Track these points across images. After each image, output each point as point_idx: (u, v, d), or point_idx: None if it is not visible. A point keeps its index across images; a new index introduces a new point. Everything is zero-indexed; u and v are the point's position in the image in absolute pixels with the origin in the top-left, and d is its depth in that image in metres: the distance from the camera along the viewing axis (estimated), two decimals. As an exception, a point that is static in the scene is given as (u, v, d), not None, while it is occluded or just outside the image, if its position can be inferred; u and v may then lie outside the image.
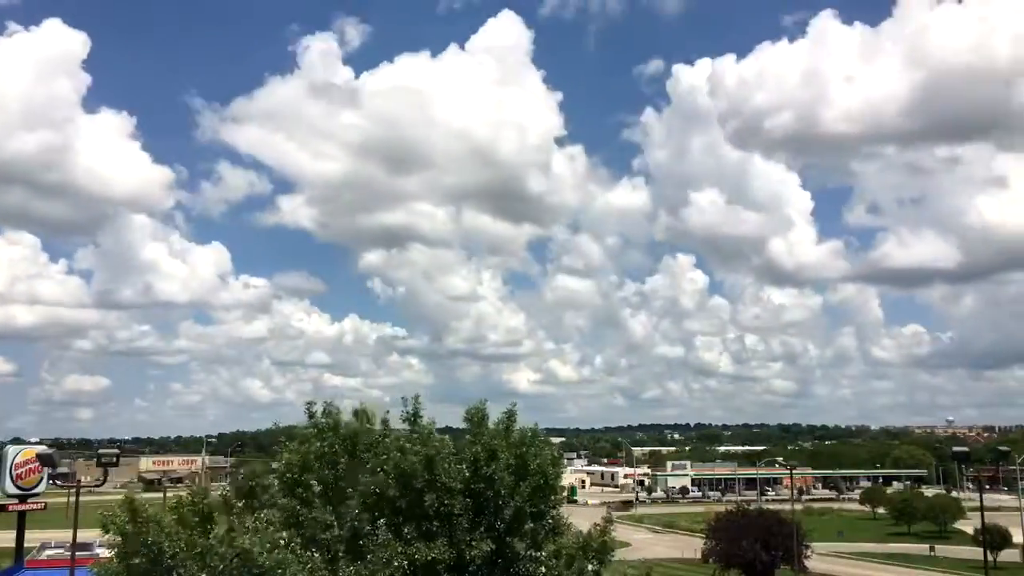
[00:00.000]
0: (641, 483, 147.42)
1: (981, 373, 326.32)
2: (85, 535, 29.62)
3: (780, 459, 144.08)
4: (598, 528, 19.23)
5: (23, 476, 45.36)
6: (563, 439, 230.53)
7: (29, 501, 46.00)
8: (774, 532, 48.82)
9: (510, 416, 19.85)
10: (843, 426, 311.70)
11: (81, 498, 30.06)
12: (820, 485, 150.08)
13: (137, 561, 15.66)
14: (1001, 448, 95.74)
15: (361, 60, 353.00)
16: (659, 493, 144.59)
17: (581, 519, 21.48)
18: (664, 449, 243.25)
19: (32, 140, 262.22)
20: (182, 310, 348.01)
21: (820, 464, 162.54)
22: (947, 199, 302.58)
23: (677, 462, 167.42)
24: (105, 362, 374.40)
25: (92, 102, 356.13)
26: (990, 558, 49.24)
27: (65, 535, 39.05)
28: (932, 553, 68.31)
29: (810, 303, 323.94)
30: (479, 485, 18.12)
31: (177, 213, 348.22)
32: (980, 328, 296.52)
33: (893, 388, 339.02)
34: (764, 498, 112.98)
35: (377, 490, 18.06)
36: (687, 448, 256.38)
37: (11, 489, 45.17)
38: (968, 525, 74.83)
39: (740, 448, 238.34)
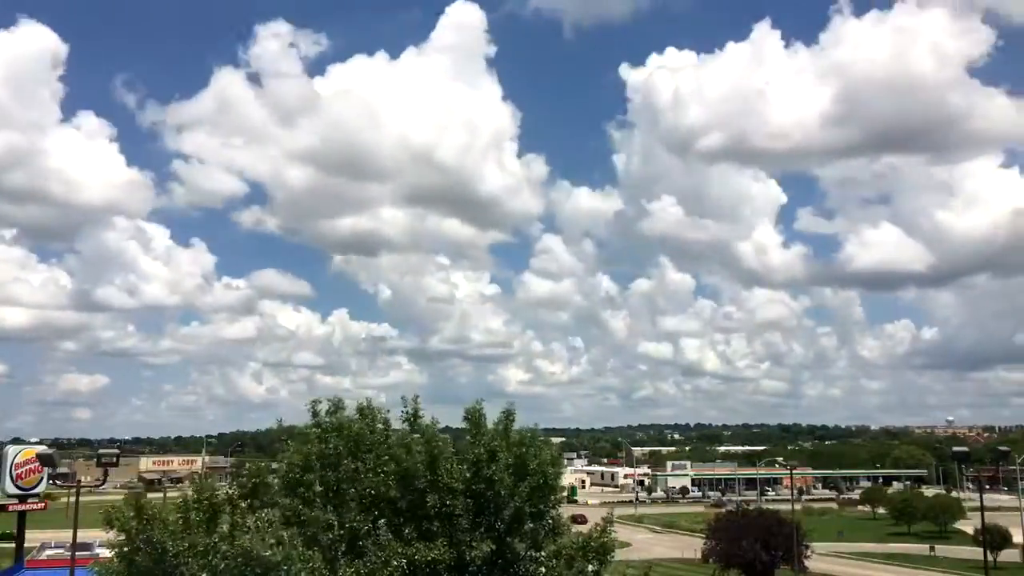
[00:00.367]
0: (641, 483, 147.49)
1: (965, 374, 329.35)
2: (85, 535, 29.62)
3: (780, 459, 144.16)
4: (598, 528, 19.25)
5: (23, 476, 45.35)
6: (563, 439, 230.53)
7: (30, 501, 46.02)
8: (774, 532, 48.84)
9: (509, 416, 19.86)
10: (843, 426, 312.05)
11: (81, 498, 30.04)
12: (820, 485, 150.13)
13: (139, 560, 15.68)
14: (1001, 448, 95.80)
15: (317, 65, 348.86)
16: (659, 493, 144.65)
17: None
18: (664, 449, 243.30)
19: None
20: (173, 311, 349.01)
21: (820, 464, 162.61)
22: (904, 206, 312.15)
23: (677, 462, 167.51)
24: (102, 363, 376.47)
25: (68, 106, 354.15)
26: (990, 558, 49.28)
27: (65, 535, 39.06)
28: (932, 553, 68.31)
29: (794, 305, 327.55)
30: (480, 486, 18.15)
31: (154, 216, 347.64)
32: (961, 329, 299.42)
33: (885, 388, 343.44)
34: (764, 498, 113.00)
35: (376, 491, 18.08)
36: (687, 448, 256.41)
37: (11, 489, 45.17)
38: (968, 525, 74.86)
39: (740, 448, 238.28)
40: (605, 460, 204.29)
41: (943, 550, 68.70)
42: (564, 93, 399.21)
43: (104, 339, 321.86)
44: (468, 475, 18.09)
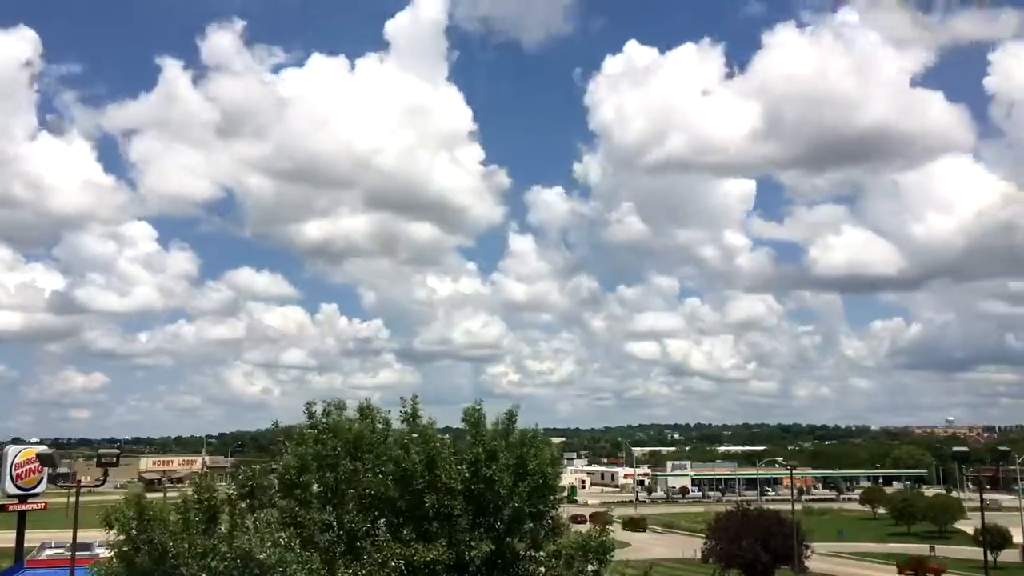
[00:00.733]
0: (641, 483, 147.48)
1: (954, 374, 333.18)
2: (85, 535, 29.62)
3: (780, 459, 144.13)
4: (597, 528, 19.26)
5: (23, 476, 45.34)
6: (563, 439, 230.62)
7: (29, 501, 46.00)
8: (774, 532, 48.80)
9: (510, 416, 19.85)
10: (843, 426, 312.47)
11: (81, 498, 30.02)
12: (820, 485, 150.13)
13: (139, 560, 15.69)
14: (1001, 448, 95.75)
15: (275, 72, 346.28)
16: (659, 493, 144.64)
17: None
18: (664, 449, 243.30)
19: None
20: (162, 313, 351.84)
21: (820, 464, 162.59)
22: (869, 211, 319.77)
23: (677, 462, 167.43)
24: (101, 364, 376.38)
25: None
26: (990, 558, 49.24)
27: (65, 535, 39.05)
28: (932, 553, 68.28)
29: (777, 307, 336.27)
30: (479, 486, 18.14)
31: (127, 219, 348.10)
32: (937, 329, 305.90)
33: (880, 389, 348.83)
34: (764, 498, 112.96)
35: (375, 491, 18.06)
36: (687, 448, 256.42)
37: (11, 489, 45.15)
38: (968, 525, 74.83)
39: (740, 448, 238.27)
40: (605, 460, 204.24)
41: (943, 550, 68.67)
42: (524, 98, 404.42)
43: (99, 340, 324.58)
44: (467, 475, 18.09)
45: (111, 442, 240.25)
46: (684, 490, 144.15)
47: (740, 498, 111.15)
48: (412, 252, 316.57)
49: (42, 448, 48.61)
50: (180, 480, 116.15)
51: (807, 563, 50.58)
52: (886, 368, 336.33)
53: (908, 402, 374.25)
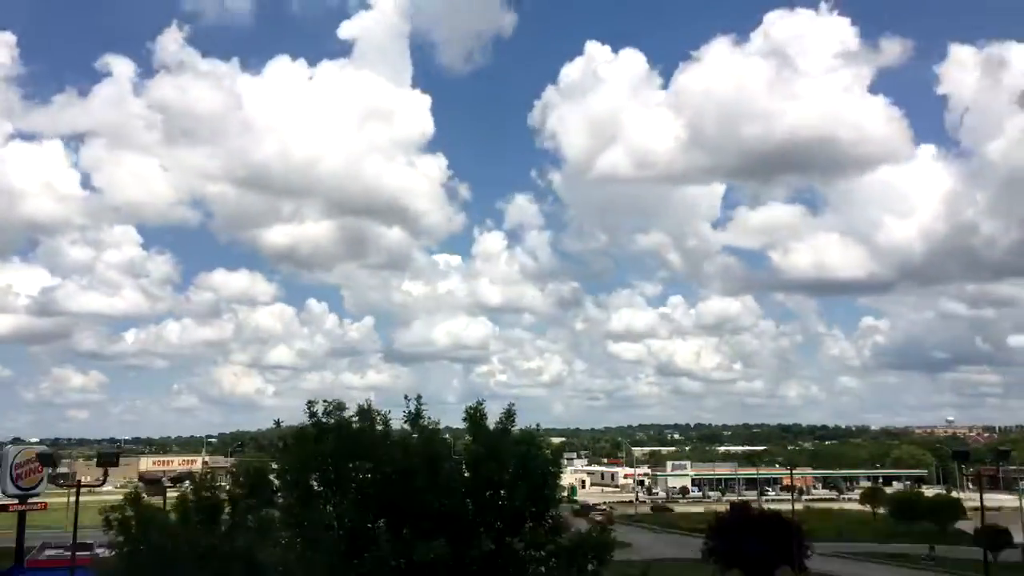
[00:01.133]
0: (641, 483, 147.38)
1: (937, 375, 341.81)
2: (85, 535, 29.64)
3: (780, 459, 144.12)
4: (597, 528, 19.26)
5: (23, 476, 45.35)
6: (563, 439, 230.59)
7: (29, 501, 46.02)
8: (774, 532, 48.79)
9: (509, 415, 19.84)
10: (843, 426, 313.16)
11: (81, 498, 30.02)
12: (820, 485, 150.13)
13: (139, 560, 15.70)
14: (1001, 448, 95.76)
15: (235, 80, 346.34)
16: (659, 493, 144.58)
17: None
18: (664, 449, 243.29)
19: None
20: (152, 315, 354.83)
21: (820, 464, 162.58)
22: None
23: (677, 462, 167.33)
24: (100, 364, 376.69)
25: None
26: (990, 558, 49.20)
27: (65, 535, 39.06)
28: (932, 552, 68.26)
29: (763, 309, 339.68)
30: (479, 485, 18.15)
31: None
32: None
33: (863, 388, 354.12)
34: (764, 498, 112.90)
35: (376, 490, 18.07)
36: (687, 448, 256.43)
37: (11, 489, 45.15)
38: (969, 525, 74.78)
39: (740, 448, 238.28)
40: (605, 460, 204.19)
41: (943, 550, 68.63)
42: (486, 104, 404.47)
43: (95, 341, 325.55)
44: (468, 475, 18.09)
45: (111, 442, 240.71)
46: (684, 490, 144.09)
47: (740, 498, 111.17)
48: (384, 256, 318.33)
49: (42, 448, 48.68)
50: (180, 480, 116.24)
51: (807, 563, 50.57)
52: (872, 368, 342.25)
53: (896, 401, 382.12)
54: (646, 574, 21.85)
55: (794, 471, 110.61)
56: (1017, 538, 62.76)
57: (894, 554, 69.35)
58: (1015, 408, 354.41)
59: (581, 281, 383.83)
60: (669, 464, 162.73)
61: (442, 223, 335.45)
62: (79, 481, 40.84)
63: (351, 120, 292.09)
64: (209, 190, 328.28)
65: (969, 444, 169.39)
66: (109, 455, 35.25)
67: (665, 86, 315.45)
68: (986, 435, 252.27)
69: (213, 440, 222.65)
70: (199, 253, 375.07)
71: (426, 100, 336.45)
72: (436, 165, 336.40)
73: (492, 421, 20.01)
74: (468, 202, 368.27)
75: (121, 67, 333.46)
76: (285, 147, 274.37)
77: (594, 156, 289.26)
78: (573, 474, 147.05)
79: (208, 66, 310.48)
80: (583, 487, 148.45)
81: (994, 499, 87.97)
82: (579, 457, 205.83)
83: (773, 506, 69.47)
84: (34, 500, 46.66)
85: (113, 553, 16.32)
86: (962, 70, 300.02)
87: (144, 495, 18.92)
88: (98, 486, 42.10)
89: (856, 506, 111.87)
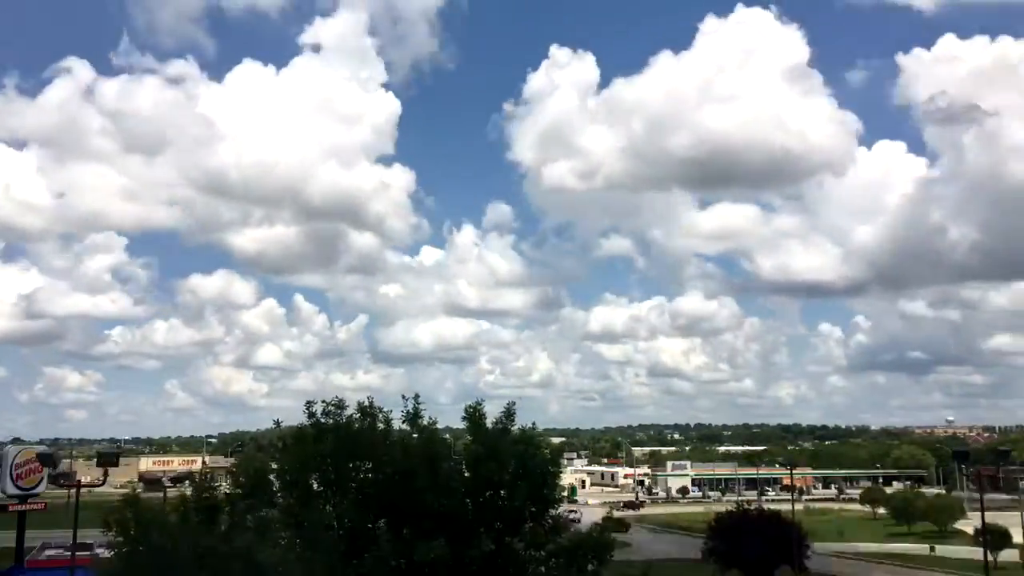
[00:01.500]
0: (641, 483, 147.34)
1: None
2: (85, 535, 29.61)
3: (780, 459, 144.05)
4: (597, 528, 19.25)
5: (23, 476, 45.32)
6: (563, 439, 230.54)
7: (29, 501, 45.99)
8: (774, 532, 48.79)
9: (508, 414, 19.83)
10: (843, 426, 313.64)
11: (81, 498, 30.01)
12: (820, 485, 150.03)
13: (138, 560, 15.68)
14: (1001, 448, 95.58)
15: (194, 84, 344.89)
16: (659, 493, 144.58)
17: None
18: (664, 449, 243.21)
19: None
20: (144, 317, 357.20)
21: (820, 464, 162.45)
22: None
23: (677, 462, 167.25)
24: (99, 365, 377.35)
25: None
26: (990, 558, 49.15)
27: (65, 535, 39.03)
28: (932, 553, 68.26)
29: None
30: (479, 485, 18.14)
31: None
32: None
33: (853, 388, 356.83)
34: (764, 498, 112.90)
35: (375, 490, 18.06)
36: (687, 448, 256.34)
37: (11, 489, 45.12)
38: (968, 525, 74.73)
39: (740, 448, 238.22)
40: (605, 460, 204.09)
41: (943, 550, 68.61)
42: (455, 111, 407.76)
43: (92, 343, 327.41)
44: (468, 475, 18.09)
45: (111, 442, 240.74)
46: (684, 490, 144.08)
47: (740, 498, 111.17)
48: (366, 260, 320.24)
49: (42, 448, 48.64)
50: (180, 480, 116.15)
51: (807, 563, 50.55)
52: (861, 368, 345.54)
53: (893, 401, 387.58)
54: (647, 574, 21.83)
55: (794, 471, 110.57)
56: (1017, 538, 62.70)
57: (894, 554, 69.32)
58: (1015, 408, 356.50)
59: (569, 283, 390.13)
60: (669, 464, 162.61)
61: (421, 227, 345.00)
62: (79, 481, 40.81)
63: (321, 124, 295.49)
64: (189, 196, 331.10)
65: (969, 444, 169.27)
66: (109, 455, 35.25)
67: (610, 95, 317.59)
68: (986, 435, 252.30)
69: (213, 440, 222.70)
70: (181, 257, 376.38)
71: (396, 104, 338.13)
72: (401, 175, 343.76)
73: (495, 420, 20.02)
74: (453, 205, 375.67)
75: (83, 73, 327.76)
76: (257, 153, 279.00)
77: (544, 164, 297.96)
78: (573, 474, 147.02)
79: (175, 70, 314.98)
80: (583, 487, 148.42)
81: (994, 499, 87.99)
82: (579, 457, 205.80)
83: (773, 506, 69.47)
84: (34, 500, 46.63)
85: (113, 553, 16.29)
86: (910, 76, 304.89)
87: (142, 495, 18.91)
88: (98, 486, 42.11)
89: (856, 506, 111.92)
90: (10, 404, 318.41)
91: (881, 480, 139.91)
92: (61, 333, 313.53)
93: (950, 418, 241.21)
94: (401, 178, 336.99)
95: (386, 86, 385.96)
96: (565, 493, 31.28)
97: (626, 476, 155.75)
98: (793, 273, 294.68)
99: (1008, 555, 59.77)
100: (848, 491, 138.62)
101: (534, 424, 20.96)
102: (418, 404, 20.10)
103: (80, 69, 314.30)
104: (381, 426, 19.91)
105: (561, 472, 21.45)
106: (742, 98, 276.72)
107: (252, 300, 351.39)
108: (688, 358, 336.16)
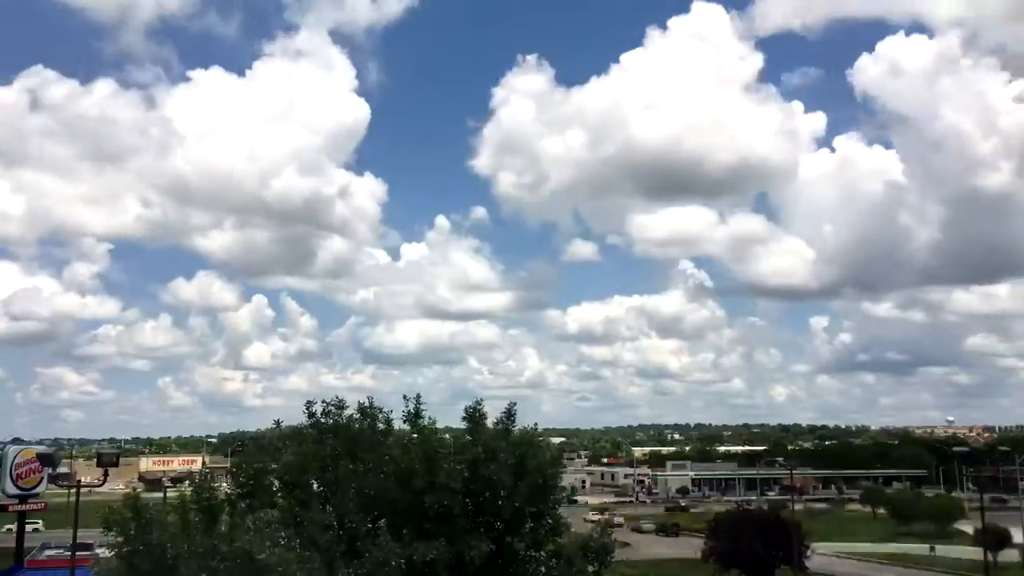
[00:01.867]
0: (641, 483, 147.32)
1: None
2: (85, 535, 29.61)
3: (780, 459, 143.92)
4: (598, 529, 19.23)
5: (23, 476, 45.32)
6: (563, 439, 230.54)
7: (29, 501, 46.00)
8: (774, 532, 48.78)
9: (510, 414, 19.80)
10: (843, 426, 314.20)
11: (81, 498, 30.00)
12: (820, 485, 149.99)
13: (138, 561, 15.65)
14: (1001, 448, 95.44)
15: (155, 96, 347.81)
16: (659, 493, 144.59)
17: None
18: (664, 449, 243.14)
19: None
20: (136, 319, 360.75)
21: (820, 464, 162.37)
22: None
23: (677, 462, 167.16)
24: (98, 366, 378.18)
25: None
26: (990, 558, 49.19)
27: (65, 535, 39.03)
28: (932, 553, 68.27)
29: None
30: (478, 485, 18.11)
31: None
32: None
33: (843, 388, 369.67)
34: (764, 498, 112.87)
35: (375, 491, 18.03)
36: (687, 448, 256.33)
37: (11, 489, 45.12)
38: (969, 525, 74.73)
39: (740, 448, 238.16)
40: (605, 460, 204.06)
41: (943, 550, 68.62)
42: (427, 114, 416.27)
43: (91, 344, 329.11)
44: (467, 475, 18.06)
45: (111, 442, 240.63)
46: (684, 490, 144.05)
47: (740, 498, 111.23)
48: (332, 264, 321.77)
49: (42, 448, 48.64)
50: (180, 480, 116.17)
51: (807, 563, 50.54)
52: (848, 369, 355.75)
53: (884, 401, 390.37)
54: (647, 575, 21.83)
55: (794, 471, 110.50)
56: (1017, 538, 62.69)
57: (894, 554, 69.32)
58: (1016, 408, 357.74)
59: (550, 286, 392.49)
60: (669, 464, 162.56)
61: (392, 232, 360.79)
62: (79, 481, 40.81)
63: (293, 131, 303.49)
64: (159, 200, 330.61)
65: (969, 444, 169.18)
66: (109, 455, 35.23)
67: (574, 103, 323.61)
68: (986, 435, 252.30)
69: (213, 440, 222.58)
70: (158, 261, 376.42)
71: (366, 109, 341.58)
72: (370, 181, 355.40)
73: (496, 420, 19.99)
74: (423, 210, 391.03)
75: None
76: (227, 159, 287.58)
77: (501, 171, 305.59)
78: (573, 474, 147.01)
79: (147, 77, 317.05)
80: (583, 487, 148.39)
81: (994, 500, 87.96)
82: (579, 457, 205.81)
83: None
84: (34, 500, 46.63)
85: (112, 554, 16.27)
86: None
87: (142, 495, 18.88)
88: (98, 486, 42.06)
89: (856, 506, 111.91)
90: (8, 405, 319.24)
91: (881, 480, 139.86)
92: (48, 335, 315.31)
93: (950, 418, 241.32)
94: (371, 183, 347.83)
95: (357, 92, 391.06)
96: (566, 494, 31.27)
97: (626, 476, 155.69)
98: (777, 277, 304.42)
99: (1009, 556, 59.80)
100: (848, 491, 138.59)
101: (535, 424, 20.93)
102: (419, 404, 20.08)
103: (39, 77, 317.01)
104: (381, 426, 19.88)
105: (562, 472, 21.43)
106: (702, 106, 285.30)
107: (236, 302, 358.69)
108: (678, 359, 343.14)
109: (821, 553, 58.59)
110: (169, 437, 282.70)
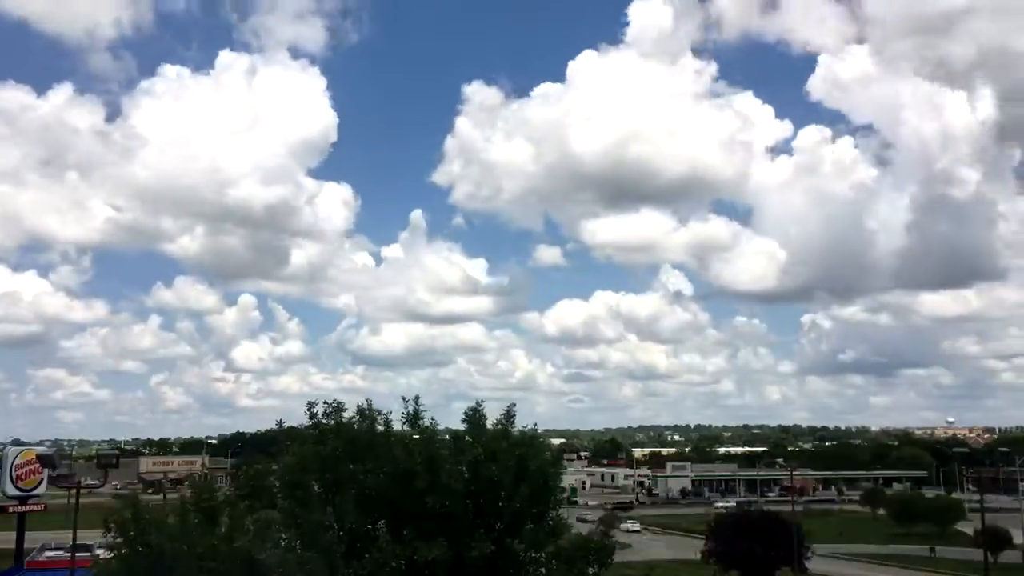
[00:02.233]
0: (641, 484, 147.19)
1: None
2: (85, 536, 29.63)
3: (780, 460, 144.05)
4: (599, 530, 19.23)
5: (23, 477, 45.30)
6: (563, 440, 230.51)
7: (29, 502, 45.97)
8: (774, 533, 48.76)
9: (509, 415, 19.80)
10: (843, 427, 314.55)
11: (81, 499, 30.00)
12: (820, 486, 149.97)
13: (138, 562, 15.66)
14: (1001, 449, 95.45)
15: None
16: (659, 494, 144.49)
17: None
18: (664, 450, 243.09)
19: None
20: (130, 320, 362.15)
21: (820, 465, 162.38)
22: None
23: (677, 463, 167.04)
24: (98, 366, 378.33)
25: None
26: (990, 559, 49.20)
27: (65, 536, 39.02)
28: (932, 554, 68.26)
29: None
30: (479, 486, 18.11)
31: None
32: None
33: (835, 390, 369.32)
34: (764, 499, 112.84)
35: (375, 492, 18.03)
36: (687, 449, 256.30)
37: (11, 490, 45.10)
38: (969, 526, 74.75)
39: (740, 449, 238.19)
40: (605, 461, 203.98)
41: (943, 551, 68.62)
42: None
43: (90, 344, 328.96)
44: (467, 476, 18.06)
45: (111, 443, 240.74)
46: (684, 491, 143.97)
47: (740, 499, 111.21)
48: (308, 269, 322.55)
49: (42, 449, 48.60)
50: (180, 481, 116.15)
51: (807, 564, 50.52)
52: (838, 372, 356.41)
53: (884, 402, 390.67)
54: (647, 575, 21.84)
55: (794, 472, 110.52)
56: (1017, 539, 62.72)
57: (894, 555, 69.32)
58: (1014, 408, 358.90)
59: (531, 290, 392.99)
60: (669, 465, 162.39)
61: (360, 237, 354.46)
62: (79, 482, 40.79)
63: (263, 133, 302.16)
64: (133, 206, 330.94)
65: (969, 445, 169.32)
66: (109, 456, 35.26)
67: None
68: (986, 436, 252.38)
69: (213, 441, 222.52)
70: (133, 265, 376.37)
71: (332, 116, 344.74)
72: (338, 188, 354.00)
73: (496, 421, 20.00)
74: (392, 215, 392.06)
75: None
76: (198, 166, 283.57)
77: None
78: (573, 475, 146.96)
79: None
80: (583, 488, 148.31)
81: (995, 500, 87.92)
82: (579, 458, 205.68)
83: (773, 508, 69.39)
84: (34, 501, 46.60)
85: (112, 555, 16.28)
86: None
87: (141, 495, 18.94)
88: (98, 487, 42.06)
89: (856, 507, 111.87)
90: (8, 406, 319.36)
91: (881, 481, 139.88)
92: (39, 337, 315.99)
93: (950, 419, 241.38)
94: (341, 190, 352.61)
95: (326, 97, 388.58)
96: (565, 495, 31.25)
97: (626, 477, 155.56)
98: (759, 280, 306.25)
99: (1009, 556, 59.83)
100: (848, 492, 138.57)
101: (534, 425, 20.93)
102: (417, 406, 20.08)
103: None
104: (380, 427, 19.86)
105: (562, 473, 21.42)
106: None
107: (219, 305, 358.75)
108: (667, 360, 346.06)
109: (821, 554, 58.59)
110: (168, 438, 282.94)
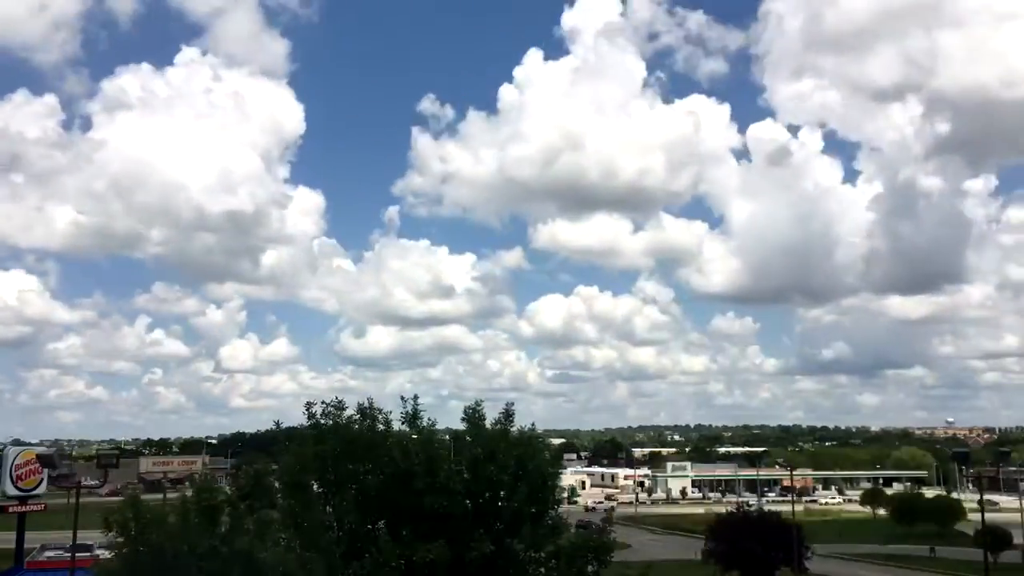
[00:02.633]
0: (641, 484, 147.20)
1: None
2: (85, 536, 29.61)
3: (780, 460, 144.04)
4: (597, 530, 19.23)
5: (23, 477, 45.30)
6: (563, 440, 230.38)
7: (29, 502, 45.97)
8: (774, 533, 48.76)
9: (508, 415, 19.81)
10: (843, 427, 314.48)
11: (81, 499, 29.99)
12: (820, 487, 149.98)
13: (138, 561, 15.67)
14: (1001, 450, 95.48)
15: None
16: (659, 494, 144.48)
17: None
18: (664, 450, 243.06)
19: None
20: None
21: (820, 465, 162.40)
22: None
23: (677, 463, 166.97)
24: (97, 366, 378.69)
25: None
26: (990, 559, 49.10)
27: (65, 536, 39.00)
28: (932, 554, 68.24)
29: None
30: (479, 486, 18.13)
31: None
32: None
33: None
34: (764, 499, 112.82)
35: (375, 491, 18.05)
36: (687, 450, 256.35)
37: (11, 490, 45.09)
38: (969, 527, 74.72)
39: (740, 449, 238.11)
40: (605, 461, 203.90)
41: (943, 551, 68.59)
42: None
43: (90, 345, 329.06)
44: (467, 476, 18.07)
45: (111, 443, 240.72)
46: (684, 491, 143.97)
47: (740, 499, 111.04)
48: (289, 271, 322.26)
49: (42, 449, 48.58)
50: (180, 481, 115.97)
51: (807, 564, 50.51)
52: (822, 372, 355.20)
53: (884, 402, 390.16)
54: (646, 575, 21.82)
55: (794, 472, 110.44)
56: (1017, 539, 62.70)
57: (894, 555, 69.29)
58: (1015, 409, 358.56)
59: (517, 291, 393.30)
60: (669, 465, 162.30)
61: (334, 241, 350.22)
62: (79, 482, 40.79)
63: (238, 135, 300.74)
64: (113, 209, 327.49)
65: (969, 445, 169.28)
66: (108, 456, 35.25)
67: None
68: (986, 436, 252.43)
69: (213, 441, 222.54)
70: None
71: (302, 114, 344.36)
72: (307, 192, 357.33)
73: (495, 421, 20.01)
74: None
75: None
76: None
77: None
78: (573, 475, 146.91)
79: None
80: (583, 488, 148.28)
81: (995, 500, 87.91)
82: (579, 458, 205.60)
83: (773, 508, 69.44)
84: (34, 501, 46.60)
85: (113, 555, 16.29)
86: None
87: (140, 496, 18.92)
88: (98, 487, 42.07)
89: (856, 507, 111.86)
90: (8, 406, 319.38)
91: (881, 481, 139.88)
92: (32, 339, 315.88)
93: (950, 419, 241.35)
94: (308, 195, 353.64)
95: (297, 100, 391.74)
96: (565, 495, 31.27)
97: (626, 477, 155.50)
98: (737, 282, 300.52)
99: (1010, 556, 59.80)
100: (848, 492, 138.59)
101: (532, 425, 20.94)
102: (416, 406, 20.10)
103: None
104: (380, 427, 19.87)
105: (561, 473, 21.42)
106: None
107: (204, 307, 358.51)
108: (659, 361, 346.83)
109: (821, 554, 58.57)
110: (168, 438, 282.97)
